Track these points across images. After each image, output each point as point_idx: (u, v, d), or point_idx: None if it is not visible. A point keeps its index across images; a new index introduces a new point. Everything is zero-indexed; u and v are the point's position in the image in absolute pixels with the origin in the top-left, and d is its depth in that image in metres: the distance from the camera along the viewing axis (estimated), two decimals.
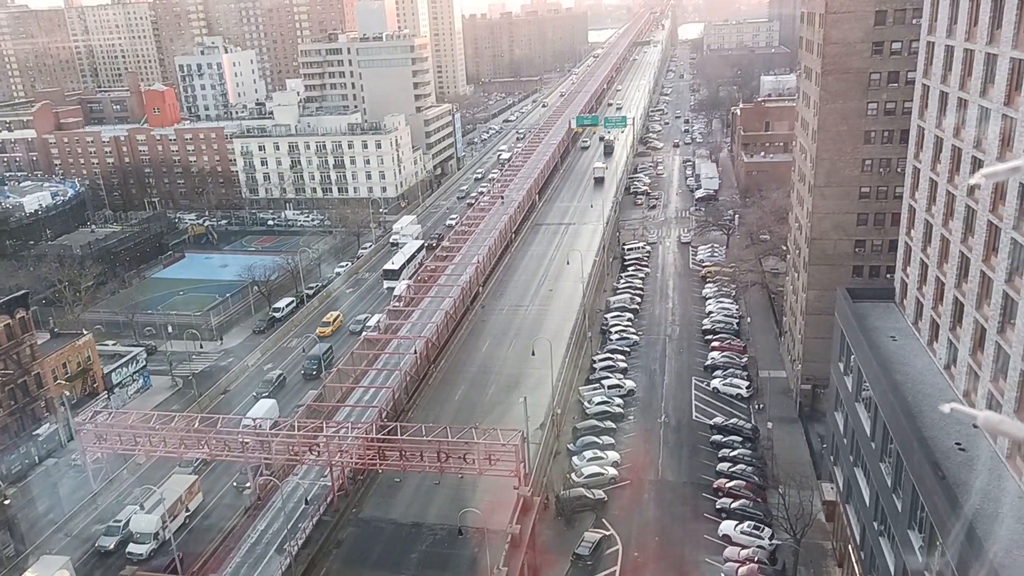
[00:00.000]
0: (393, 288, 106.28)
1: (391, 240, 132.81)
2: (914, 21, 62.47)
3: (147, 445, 62.34)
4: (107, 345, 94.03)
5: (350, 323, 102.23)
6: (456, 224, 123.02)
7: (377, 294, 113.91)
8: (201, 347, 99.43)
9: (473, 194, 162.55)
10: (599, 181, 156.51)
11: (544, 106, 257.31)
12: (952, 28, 48.33)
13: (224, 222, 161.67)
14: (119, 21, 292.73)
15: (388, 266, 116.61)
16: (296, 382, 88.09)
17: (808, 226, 73.62)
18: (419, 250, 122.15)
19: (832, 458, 61.26)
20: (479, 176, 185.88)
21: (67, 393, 78.58)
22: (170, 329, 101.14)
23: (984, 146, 43.01)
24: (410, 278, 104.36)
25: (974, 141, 44.47)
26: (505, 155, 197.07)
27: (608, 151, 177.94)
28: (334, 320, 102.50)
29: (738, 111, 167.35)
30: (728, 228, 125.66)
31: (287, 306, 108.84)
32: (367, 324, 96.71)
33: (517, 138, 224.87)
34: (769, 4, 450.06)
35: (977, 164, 44.39)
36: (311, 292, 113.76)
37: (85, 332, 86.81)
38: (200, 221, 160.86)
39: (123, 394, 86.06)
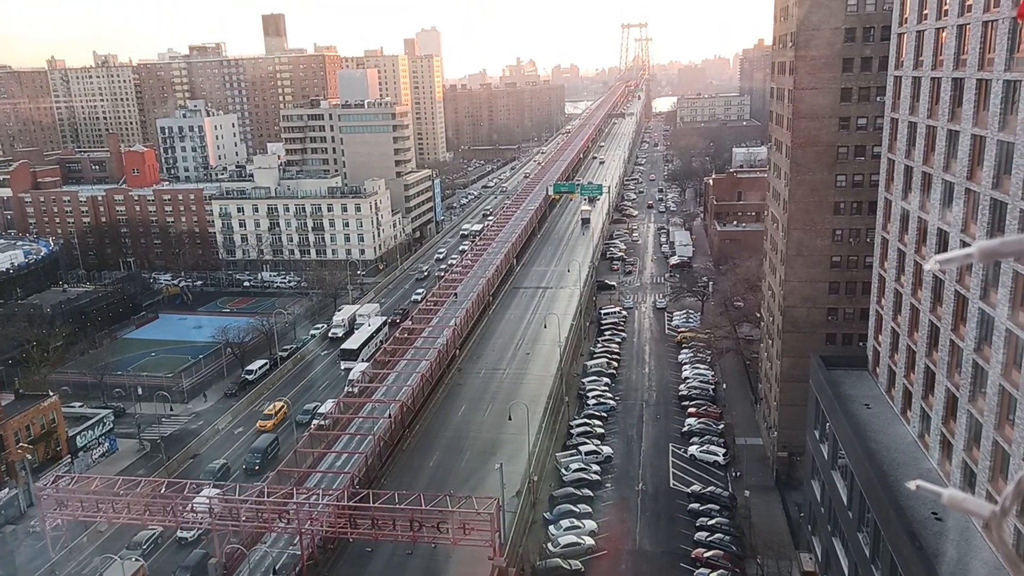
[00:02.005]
0: (351, 369, 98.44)
1: (331, 333, 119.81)
2: (878, 99, 65.06)
3: (110, 512, 60.36)
4: (73, 407, 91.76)
5: (297, 413, 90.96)
6: (432, 289, 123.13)
7: (334, 375, 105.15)
8: (171, 410, 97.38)
9: (426, 286, 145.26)
10: (586, 222, 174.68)
11: (525, 177, 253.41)
12: (914, 106, 50.38)
13: (200, 283, 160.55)
14: (102, 84, 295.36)
15: (346, 345, 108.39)
16: (241, 474, 79.63)
17: (781, 294, 74.76)
18: (381, 328, 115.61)
19: (810, 527, 60.79)
20: (440, 255, 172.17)
21: (29, 457, 76.17)
22: (139, 391, 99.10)
23: (949, 219, 44.36)
24: (369, 359, 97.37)
25: (939, 214, 45.88)
26: (468, 231, 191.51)
27: (585, 223, 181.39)
28: (278, 411, 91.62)
29: (711, 181, 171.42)
30: (702, 295, 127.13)
31: (260, 368, 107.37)
32: (317, 413, 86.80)
33: (484, 214, 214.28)
34: (740, 79, 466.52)
35: (943, 236, 45.67)
36: (285, 354, 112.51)
37: (51, 393, 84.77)
38: (175, 282, 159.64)
39: (87, 458, 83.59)
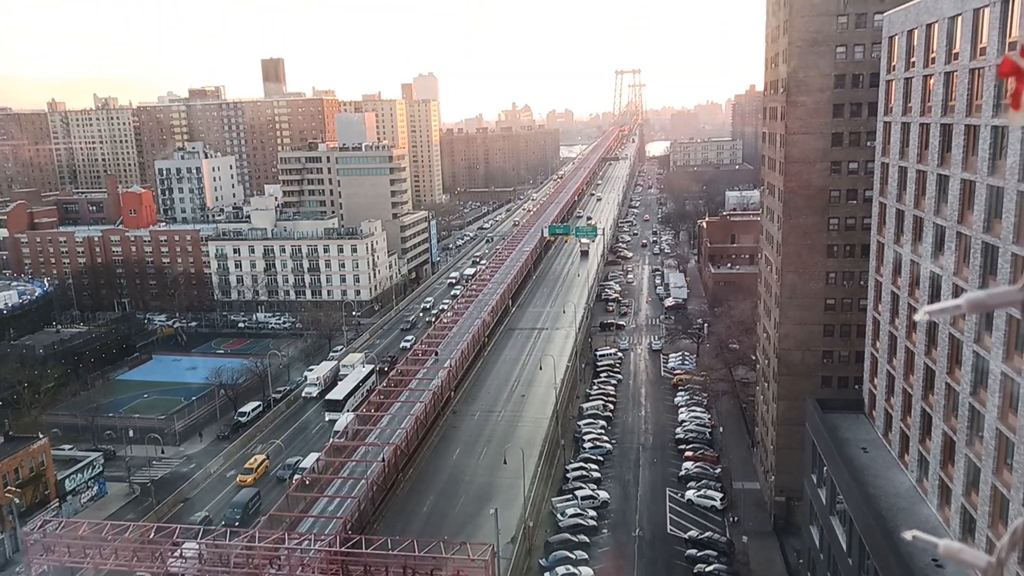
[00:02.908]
0: (335, 421, 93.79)
1: (304, 392, 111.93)
2: (869, 143, 66.01)
3: (97, 557, 59.11)
4: (63, 449, 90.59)
5: (277, 468, 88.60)
6: (430, 329, 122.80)
7: (321, 428, 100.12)
8: (162, 452, 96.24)
9: (413, 335, 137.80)
10: (584, 254, 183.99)
11: (515, 225, 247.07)
12: (904, 150, 51.11)
13: (194, 324, 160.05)
14: (102, 127, 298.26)
15: (331, 395, 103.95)
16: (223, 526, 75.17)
17: (776, 336, 74.79)
18: (368, 376, 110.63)
19: (810, 573, 59.89)
20: (427, 305, 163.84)
21: (16, 501, 74.94)
22: (131, 433, 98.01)
23: (941, 262, 44.68)
24: (356, 409, 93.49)
25: (931, 257, 46.21)
26: (458, 278, 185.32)
27: (584, 255, 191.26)
28: (258, 465, 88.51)
29: (704, 224, 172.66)
30: (698, 337, 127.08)
31: (253, 411, 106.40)
32: (299, 468, 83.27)
33: (473, 262, 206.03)
34: (732, 124, 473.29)
35: (936, 280, 45.93)
36: (279, 396, 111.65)
37: (41, 436, 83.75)
38: (170, 323, 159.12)
39: (75, 502, 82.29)
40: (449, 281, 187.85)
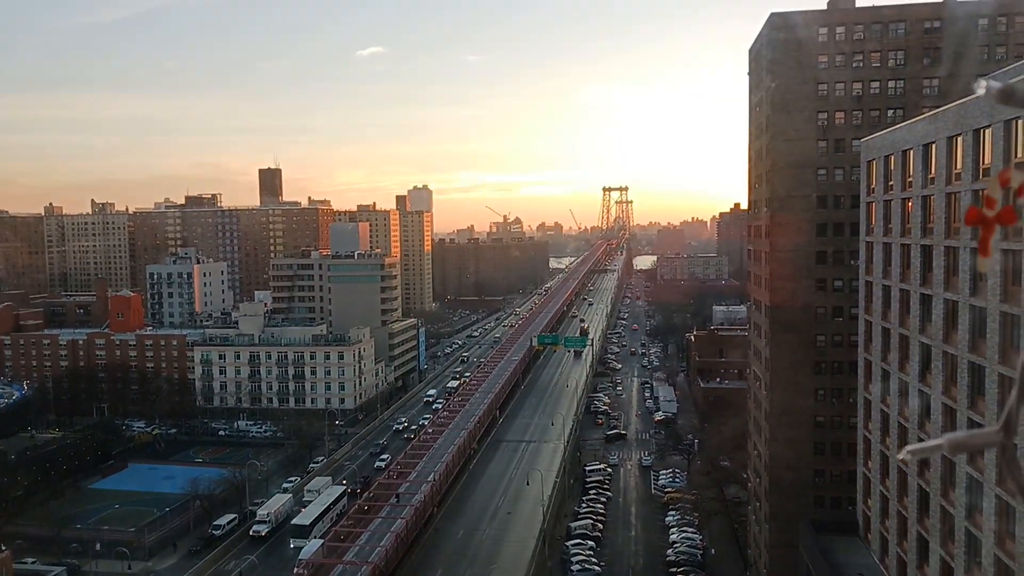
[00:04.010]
0: (301, 548, 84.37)
1: (252, 531, 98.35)
2: (852, 262, 67.28)
3: None
4: (26, 563, 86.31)
5: None
6: (413, 440, 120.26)
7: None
8: (129, 568, 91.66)
9: (387, 455, 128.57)
10: (578, 355, 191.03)
11: (496, 341, 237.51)
12: (887, 270, 52.02)
13: (174, 431, 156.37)
14: (96, 230, 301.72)
15: (297, 520, 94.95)
16: None
17: (767, 454, 73.58)
18: (339, 499, 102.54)
19: None
20: (401, 425, 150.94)
21: None
22: (98, 546, 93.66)
23: (929, 380, 44.60)
24: (324, 535, 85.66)
25: (919, 376, 46.17)
26: (435, 395, 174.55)
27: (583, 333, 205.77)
28: None
29: (693, 338, 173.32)
30: (688, 453, 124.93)
31: (228, 524, 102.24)
32: None
33: (454, 377, 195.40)
34: (718, 240, 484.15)
35: (925, 398, 45.68)
36: (255, 508, 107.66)
37: (3, 547, 79.96)
38: (149, 429, 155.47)
39: None
40: (426, 399, 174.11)
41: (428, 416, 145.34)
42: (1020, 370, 2.47)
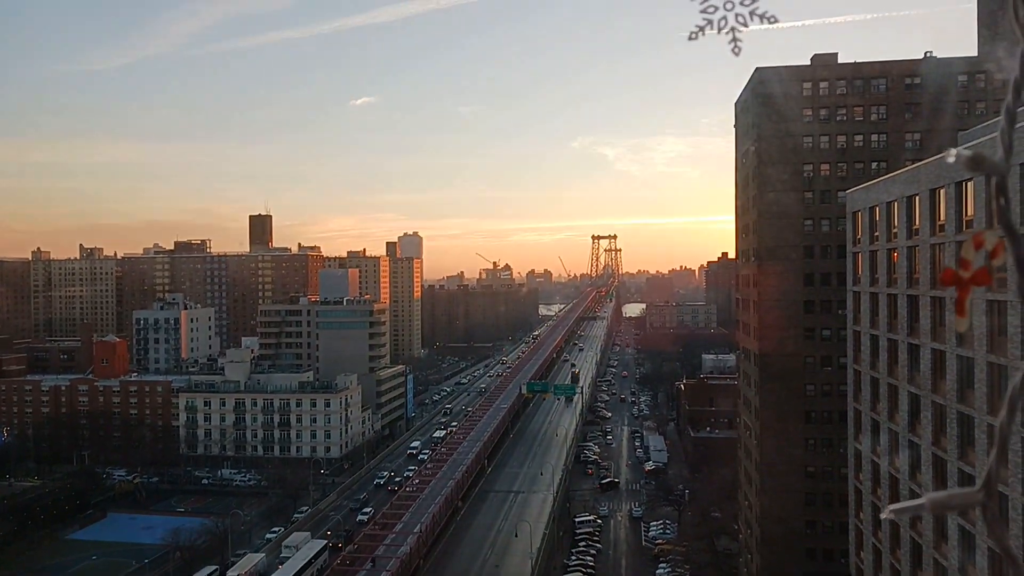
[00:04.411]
0: None
1: None
2: (840, 311, 67.67)
3: None
4: None
5: None
6: (398, 491, 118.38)
7: None
8: None
9: (373, 505, 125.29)
10: (575, 378, 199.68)
11: (483, 390, 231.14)
12: (874, 319, 52.33)
13: (156, 479, 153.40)
14: (84, 276, 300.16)
15: None
16: None
17: (758, 504, 72.84)
18: (319, 553, 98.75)
19: None
20: (382, 479, 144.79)
21: None
22: None
23: (919, 430, 44.53)
24: None
25: (908, 425, 46.11)
26: (419, 448, 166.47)
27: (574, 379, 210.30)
28: None
29: (683, 386, 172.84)
30: (679, 503, 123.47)
31: None
32: None
33: (440, 427, 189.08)
34: (706, 288, 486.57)
35: (915, 448, 45.55)
36: (235, 560, 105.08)
37: None
38: (130, 477, 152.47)
39: None
40: (410, 451, 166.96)
41: (413, 468, 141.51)
42: (999, 430, 2.47)
